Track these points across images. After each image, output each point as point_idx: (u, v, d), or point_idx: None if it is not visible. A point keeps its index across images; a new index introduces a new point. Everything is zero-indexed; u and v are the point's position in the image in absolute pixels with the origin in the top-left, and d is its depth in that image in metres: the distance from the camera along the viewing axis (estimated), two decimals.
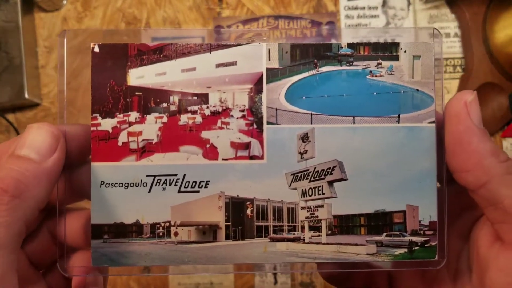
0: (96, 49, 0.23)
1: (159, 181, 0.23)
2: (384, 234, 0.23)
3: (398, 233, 0.23)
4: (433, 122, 0.23)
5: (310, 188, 0.23)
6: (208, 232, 0.23)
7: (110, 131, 0.23)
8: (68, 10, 0.47)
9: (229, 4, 0.47)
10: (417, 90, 0.23)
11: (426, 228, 0.23)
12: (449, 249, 0.23)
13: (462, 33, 0.47)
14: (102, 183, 0.22)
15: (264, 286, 0.44)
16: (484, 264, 0.21)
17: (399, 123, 0.23)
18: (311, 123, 0.23)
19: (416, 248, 0.23)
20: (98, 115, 0.23)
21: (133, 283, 0.45)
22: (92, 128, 0.23)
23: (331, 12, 0.47)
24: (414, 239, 0.23)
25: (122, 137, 0.23)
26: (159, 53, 0.23)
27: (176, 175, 0.23)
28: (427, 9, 0.48)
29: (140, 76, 0.23)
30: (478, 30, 0.45)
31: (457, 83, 0.47)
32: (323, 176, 0.23)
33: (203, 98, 0.23)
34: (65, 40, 0.23)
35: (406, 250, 0.23)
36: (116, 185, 0.22)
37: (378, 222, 0.23)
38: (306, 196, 0.23)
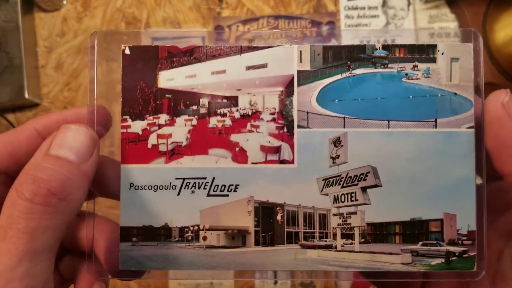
0: (127, 51, 0.23)
1: (188, 184, 0.22)
2: (420, 243, 0.22)
3: (434, 242, 0.22)
4: (471, 127, 0.22)
5: (343, 194, 0.22)
6: (237, 237, 0.23)
7: (140, 133, 0.22)
8: (68, 10, 0.47)
9: (229, 4, 0.47)
10: (455, 93, 0.23)
11: (464, 238, 0.22)
12: (489, 250, 0.22)
13: None
14: (132, 185, 0.22)
15: (264, 286, 0.43)
16: None
17: (436, 127, 0.22)
18: (344, 127, 0.22)
19: (453, 258, 0.22)
20: (128, 117, 0.23)
21: (133, 283, 0.45)
22: (122, 130, 0.22)
23: (331, 12, 0.47)
24: (452, 249, 0.22)
25: (152, 140, 0.23)
26: (190, 55, 0.23)
27: (205, 178, 0.22)
28: (427, 9, 0.47)
29: (170, 79, 0.23)
30: (478, 30, 0.45)
31: None
32: (356, 182, 0.22)
33: (233, 100, 0.23)
34: (96, 41, 0.23)
35: (443, 260, 0.22)
36: (145, 187, 0.22)
37: (414, 231, 0.22)
38: (339, 203, 0.22)
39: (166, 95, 0.23)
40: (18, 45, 0.44)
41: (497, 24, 0.45)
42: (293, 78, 0.23)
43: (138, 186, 0.22)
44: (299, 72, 0.23)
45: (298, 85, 0.23)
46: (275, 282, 0.43)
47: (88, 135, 0.20)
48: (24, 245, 0.17)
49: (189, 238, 0.22)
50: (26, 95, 0.45)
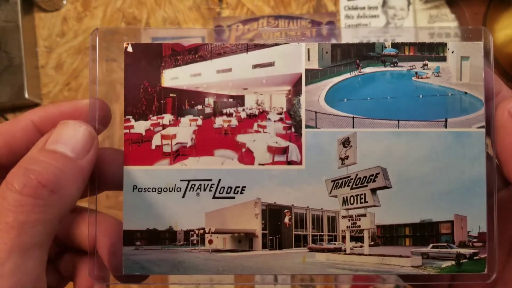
0: (130, 49, 0.22)
1: (193, 186, 0.22)
2: (430, 245, 0.22)
3: (445, 244, 0.22)
4: (482, 127, 0.22)
5: (352, 196, 0.22)
6: (244, 240, 0.22)
7: (143, 133, 0.22)
8: (68, 10, 0.47)
9: (229, 4, 0.47)
10: (466, 93, 0.22)
11: (475, 240, 0.22)
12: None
13: None
14: (135, 187, 0.22)
15: (264, 286, 0.43)
16: None
17: (446, 127, 0.22)
18: (353, 127, 0.22)
19: (464, 260, 0.22)
20: (131, 117, 0.22)
21: None
22: (124, 131, 0.22)
23: (331, 12, 0.47)
24: (462, 251, 0.22)
25: (156, 140, 0.22)
26: (194, 53, 0.22)
27: (211, 180, 0.22)
28: (427, 9, 0.47)
29: (174, 77, 0.22)
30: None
31: None
32: (365, 184, 0.22)
33: (239, 100, 0.22)
34: (97, 38, 0.22)
35: (453, 262, 0.22)
36: (149, 189, 0.22)
37: (424, 233, 0.22)
38: (348, 205, 0.22)
39: (170, 95, 0.22)
40: (18, 45, 0.44)
41: (497, 24, 0.45)
42: (301, 77, 0.22)
43: (141, 188, 0.22)
44: (307, 70, 0.22)
45: (306, 84, 0.22)
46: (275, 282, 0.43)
47: (86, 132, 0.20)
48: (12, 240, 0.17)
49: (195, 241, 0.22)
50: (26, 95, 0.45)
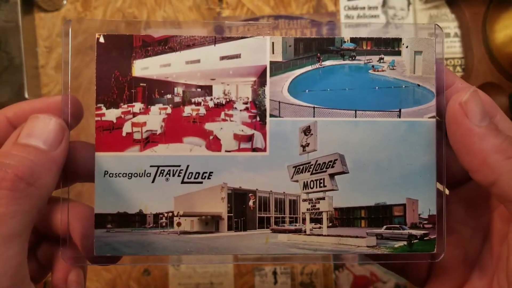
0: (102, 40, 0.23)
1: (162, 171, 0.23)
2: (384, 227, 0.23)
3: (398, 226, 0.23)
4: (433, 117, 0.23)
5: (312, 180, 0.23)
6: (210, 222, 0.23)
7: (114, 121, 0.23)
8: (68, 10, 0.47)
9: (229, 4, 0.47)
10: (418, 85, 0.24)
11: (425, 222, 0.23)
12: (470, 244, 0.23)
13: (462, 33, 0.47)
14: (106, 172, 0.23)
15: (264, 286, 0.44)
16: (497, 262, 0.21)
17: (400, 117, 0.23)
18: (314, 116, 0.23)
19: (415, 241, 0.23)
20: (102, 105, 0.23)
21: (133, 283, 0.45)
22: (96, 118, 0.23)
23: (331, 12, 0.47)
24: (414, 232, 0.23)
25: (126, 128, 0.23)
26: (164, 44, 0.23)
27: (179, 166, 0.23)
28: (427, 9, 0.48)
29: (144, 67, 0.23)
30: (478, 30, 0.46)
31: None
32: (324, 169, 0.23)
33: (207, 90, 0.23)
34: (70, 30, 0.23)
35: (405, 243, 0.23)
36: (120, 175, 0.23)
37: (378, 215, 0.23)
38: (308, 189, 0.23)
39: (141, 84, 0.23)
40: (18, 45, 0.44)
41: (497, 24, 0.45)
42: (265, 68, 0.23)
43: (112, 174, 0.23)
44: (271, 63, 0.23)
45: (271, 75, 0.23)
46: (275, 282, 0.44)
47: (56, 124, 0.20)
48: None
49: (164, 224, 0.23)
50: (26, 95, 0.45)
